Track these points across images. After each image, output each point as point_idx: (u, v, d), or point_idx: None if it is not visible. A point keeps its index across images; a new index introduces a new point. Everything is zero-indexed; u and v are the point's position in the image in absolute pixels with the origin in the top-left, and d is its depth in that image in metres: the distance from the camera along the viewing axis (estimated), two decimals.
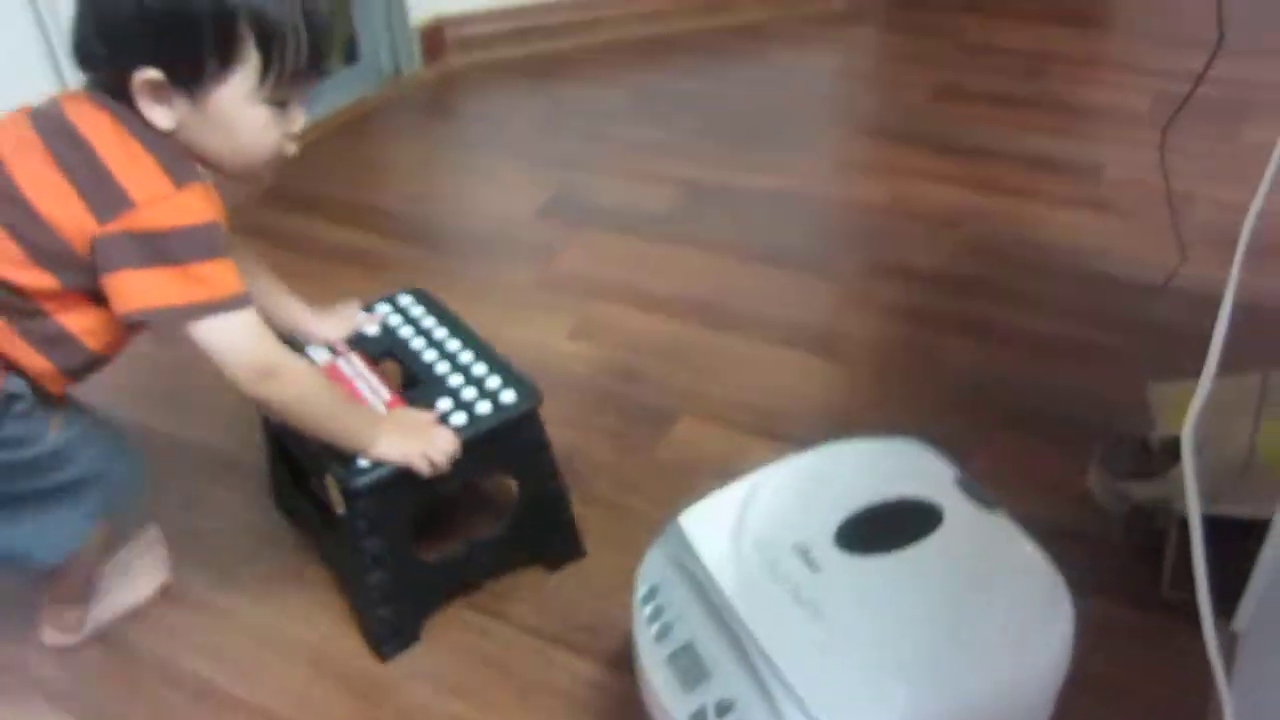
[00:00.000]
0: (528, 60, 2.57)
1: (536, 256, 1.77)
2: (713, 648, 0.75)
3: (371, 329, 1.19)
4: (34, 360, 0.91)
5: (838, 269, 1.73)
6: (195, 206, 0.86)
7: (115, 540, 1.12)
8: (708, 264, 1.75)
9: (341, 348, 1.16)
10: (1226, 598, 1.04)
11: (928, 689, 0.69)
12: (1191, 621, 1.08)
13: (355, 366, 1.13)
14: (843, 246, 1.80)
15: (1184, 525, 1.13)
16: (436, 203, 2.00)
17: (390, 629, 1.10)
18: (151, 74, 0.84)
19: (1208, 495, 1.00)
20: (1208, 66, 0.97)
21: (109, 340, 0.94)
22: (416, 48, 2.50)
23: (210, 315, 0.87)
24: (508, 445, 1.09)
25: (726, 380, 1.48)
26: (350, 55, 2.50)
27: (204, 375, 0.92)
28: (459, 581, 1.16)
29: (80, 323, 0.91)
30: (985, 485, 1.03)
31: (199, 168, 0.89)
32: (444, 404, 1.06)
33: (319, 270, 1.76)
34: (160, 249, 0.85)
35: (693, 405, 1.43)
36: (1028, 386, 1.44)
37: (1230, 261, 0.96)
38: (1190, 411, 0.82)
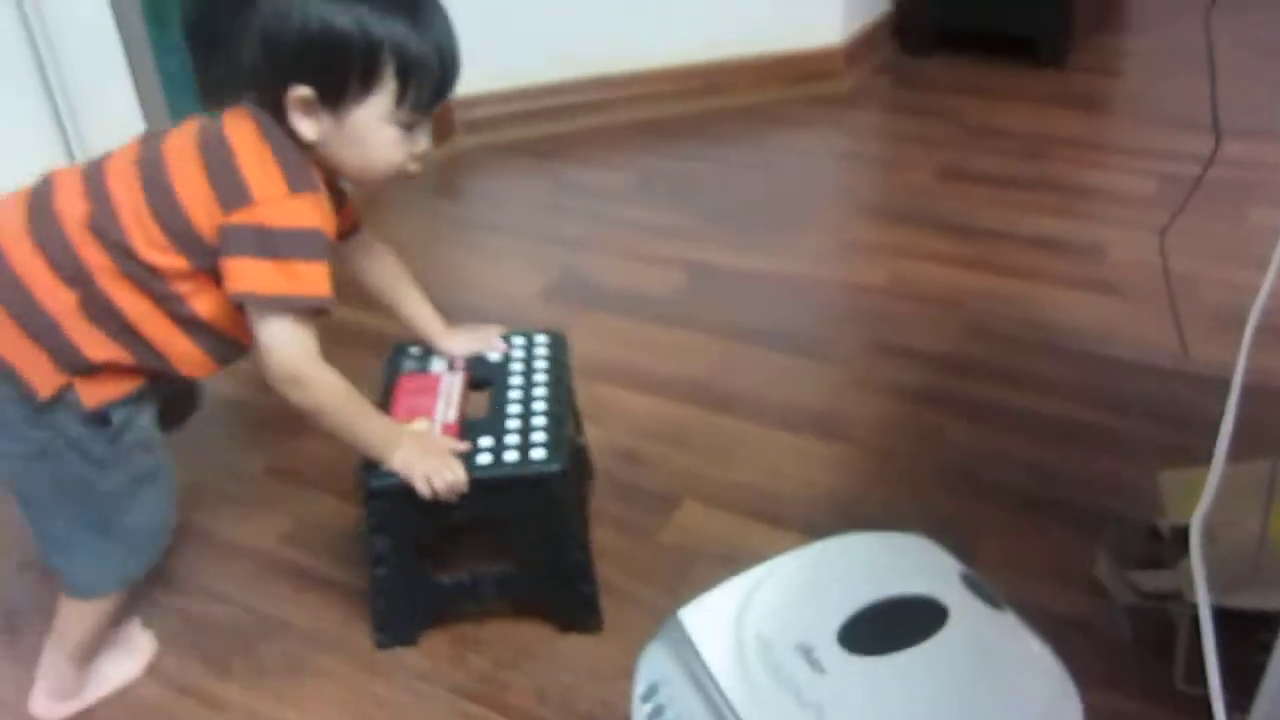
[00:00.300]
0: (533, 141, 2.60)
1: None
2: None
3: (494, 356, 1.28)
4: (178, 343, 1.02)
5: (840, 351, 1.72)
6: (304, 212, 0.97)
7: (124, 609, 1.15)
8: (710, 346, 1.74)
9: (458, 364, 1.26)
10: (1241, 691, 1.01)
11: None
12: (1206, 717, 1.06)
13: (452, 385, 1.21)
14: (845, 328, 1.80)
15: (1196, 617, 1.11)
16: (442, 282, 2.01)
17: (383, 621, 1.19)
18: (304, 91, 0.97)
19: (1219, 586, 0.98)
20: (1205, 170, 0.98)
21: (229, 323, 1.03)
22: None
23: (291, 309, 0.99)
24: (524, 499, 1.12)
25: (729, 464, 1.47)
26: None
27: None
28: (460, 602, 1.21)
29: (205, 304, 1.01)
30: (991, 573, 1.01)
31: (318, 181, 1.01)
32: (485, 441, 1.12)
33: (325, 351, 1.75)
34: (268, 242, 0.96)
35: (695, 489, 1.42)
36: (1033, 470, 1.43)
37: (1237, 343, 0.96)
38: (1199, 505, 0.81)
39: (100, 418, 1.00)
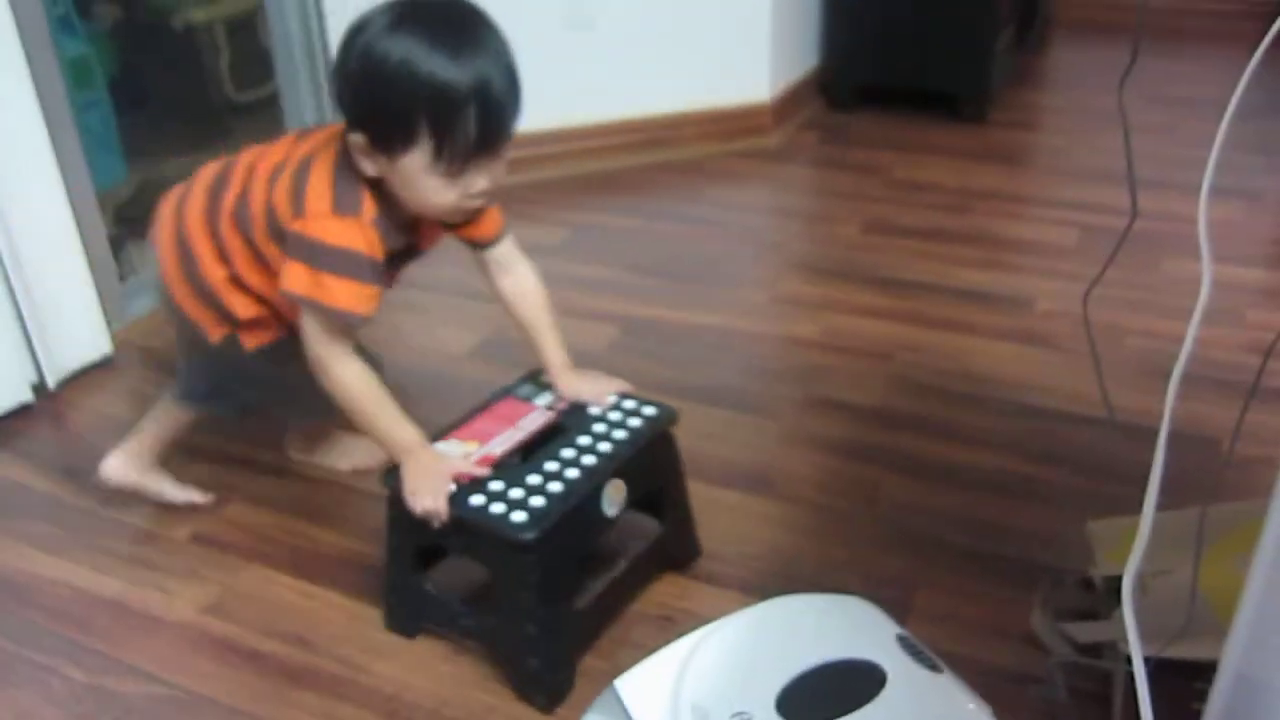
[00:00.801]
0: None
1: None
2: None
3: (595, 409, 1.27)
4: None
5: (773, 405, 1.73)
6: (341, 232, 1.11)
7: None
8: None
9: (559, 405, 1.28)
10: None
11: None
12: None
13: (531, 422, 1.24)
14: (778, 382, 1.81)
15: (1131, 669, 1.11)
16: (372, 339, 1.98)
17: (388, 608, 1.27)
18: (356, 137, 1.09)
19: (1153, 637, 0.98)
20: (1122, 240, 1.01)
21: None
22: None
23: (318, 312, 1.14)
24: (494, 554, 1.13)
25: None
26: None
27: None
28: (441, 622, 1.25)
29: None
30: (927, 628, 1.01)
31: (364, 209, 1.12)
32: (496, 485, 1.13)
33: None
34: (307, 250, 1.12)
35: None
36: (967, 523, 1.44)
37: (1161, 392, 0.98)
38: (1130, 557, 0.82)
39: (259, 353, 1.30)
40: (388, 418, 1.19)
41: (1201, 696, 1.05)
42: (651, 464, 1.24)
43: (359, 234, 1.12)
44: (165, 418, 1.46)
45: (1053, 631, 1.21)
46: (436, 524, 1.12)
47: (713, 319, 2.01)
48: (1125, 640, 1.13)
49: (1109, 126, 2.88)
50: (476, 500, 1.11)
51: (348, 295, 1.12)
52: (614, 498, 1.18)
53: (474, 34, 1.07)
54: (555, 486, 1.13)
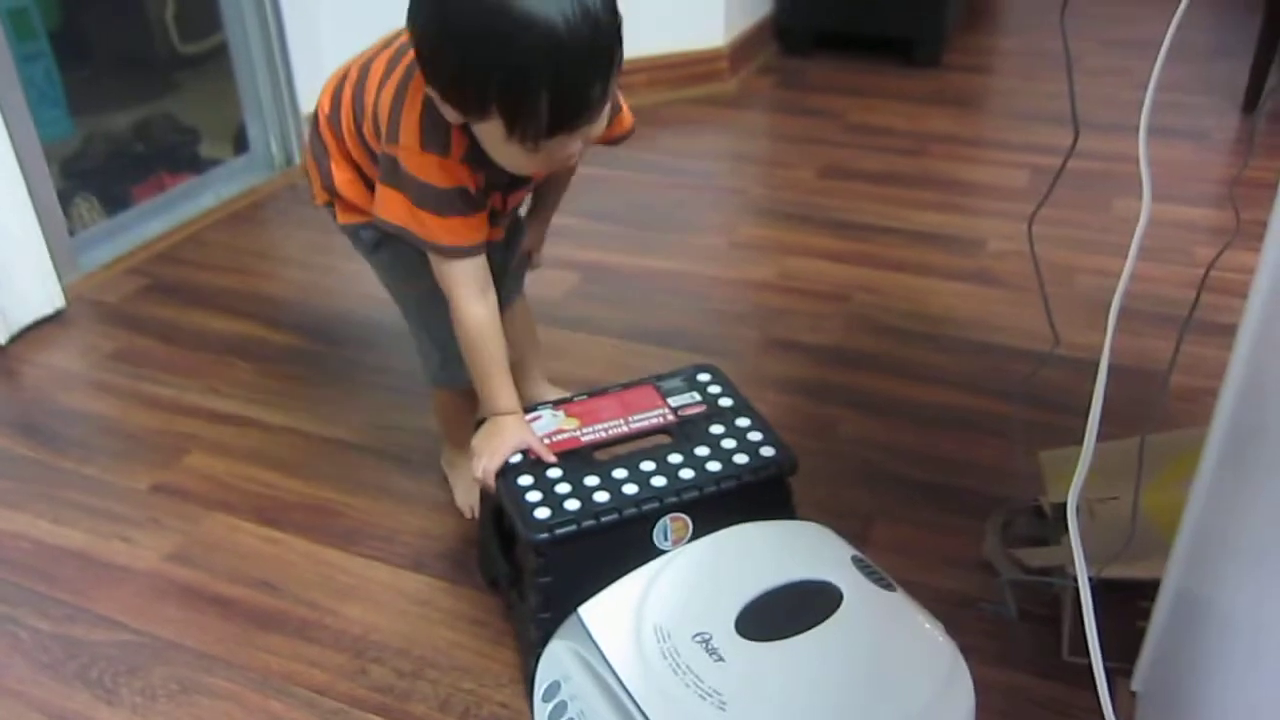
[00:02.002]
0: None
1: None
2: None
3: (715, 428, 1.15)
4: None
5: (732, 347, 1.74)
6: (428, 167, 1.04)
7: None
8: (604, 346, 1.75)
9: (691, 412, 1.18)
10: (1124, 657, 1.06)
11: None
12: (1092, 686, 1.10)
13: (647, 420, 1.16)
14: (736, 325, 1.82)
15: (1079, 590, 1.15)
16: (331, 292, 1.97)
17: (478, 555, 1.23)
18: (431, 90, 1.00)
19: (1099, 559, 1.02)
20: (1065, 162, 1.02)
21: None
22: (307, 136, 2.48)
23: (418, 243, 1.08)
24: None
25: None
26: (239, 145, 2.47)
27: None
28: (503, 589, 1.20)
29: None
30: (883, 557, 1.03)
31: (451, 147, 1.04)
32: (554, 473, 1.07)
33: (208, 364, 1.71)
34: (401, 179, 1.06)
35: None
36: (923, 457, 1.47)
37: (1105, 327, 1.01)
38: (1074, 482, 0.84)
39: (351, 232, 1.25)
40: (495, 378, 1.13)
41: (1145, 614, 1.10)
42: (744, 508, 1.04)
43: (447, 171, 1.05)
44: (440, 413, 1.42)
45: (1004, 557, 1.24)
46: (484, 489, 1.12)
47: (671, 264, 2.01)
48: (1073, 563, 1.16)
49: (1060, 70, 2.90)
50: (524, 481, 1.06)
51: (444, 230, 1.07)
52: (673, 532, 1.04)
53: None
54: (602, 497, 1.03)
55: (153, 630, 1.22)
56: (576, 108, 0.96)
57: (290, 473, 1.46)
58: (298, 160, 2.47)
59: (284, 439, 1.54)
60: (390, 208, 1.08)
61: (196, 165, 2.43)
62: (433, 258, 1.11)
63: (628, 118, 1.26)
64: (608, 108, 1.02)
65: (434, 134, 1.04)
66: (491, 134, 0.99)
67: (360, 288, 1.97)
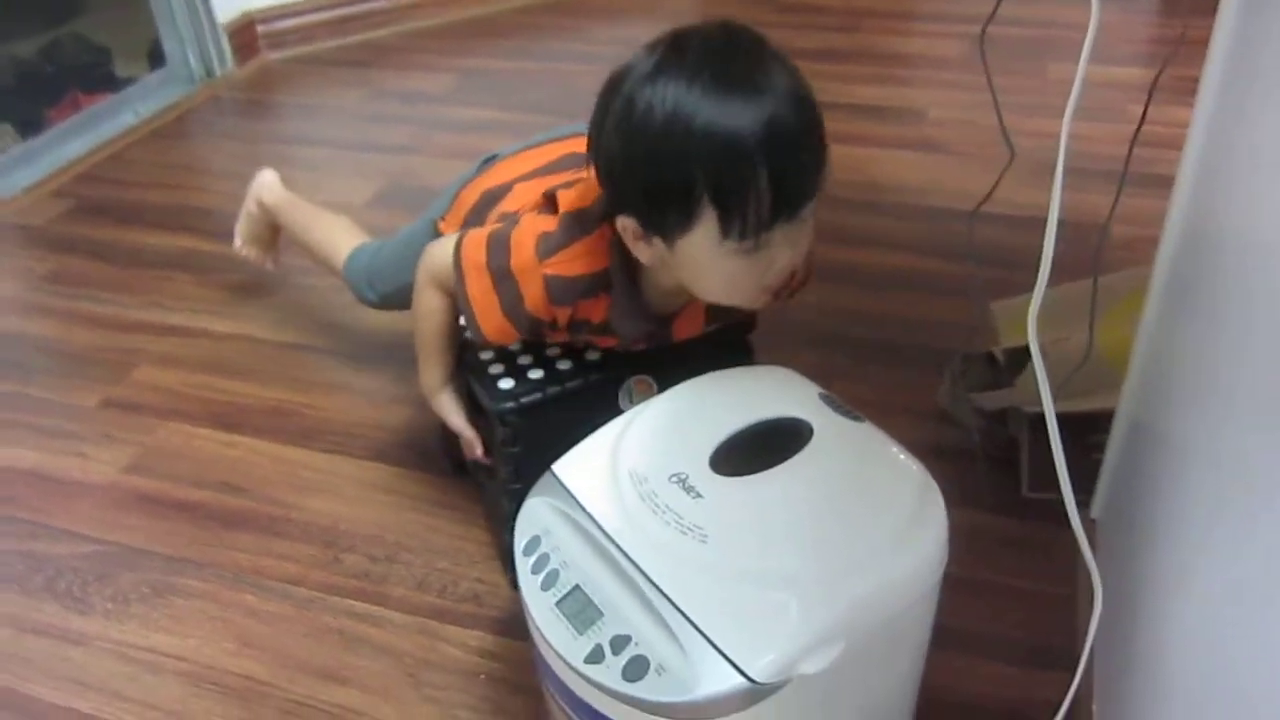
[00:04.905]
0: (346, 51, 2.50)
1: None
2: (602, 587, 0.74)
3: None
4: None
5: None
6: (534, 296, 0.94)
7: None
8: None
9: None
10: (1083, 489, 1.09)
11: (818, 596, 0.70)
12: (1051, 519, 1.14)
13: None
14: None
15: (1035, 425, 1.18)
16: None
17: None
18: (628, 221, 0.87)
19: (1055, 396, 1.04)
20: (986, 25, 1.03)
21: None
22: (227, 47, 2.40)
23: (461, 298, 0.98)
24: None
25: None
26: (155, 61, 2.38)
27: None
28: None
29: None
30: None
31: (585, 301, 0.95)
32: (526, 358, 1.05)
33: (147, 279, 1.67)
34: (498, 249, 0.95)
35: None
36: (877, 318, 1.48)
37: (1047, 186, 1.03)
38: (1032, 305, 0.85)
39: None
40: (431, 358, 1.08)
41: (1100, 447, 1.13)
42: (707, 367, 0.97)
43: (547, 313, 0.95)
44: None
45: (961, 403, 1.26)
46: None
47: None
48: (1030, 401, 1.19)
49: None
50: (486, 355, 1.05)
51: (489, 316, 0.97)
52: (637, 393, 1.05)
53: (757, 67, 0.81)
54: (565, 365, 1.03)
55: (117, 539, 1.20)
56: (801, 175, 0.82)
57: (244, 378, 1.44)
58: (219, 73, 2.39)
59: (234, 346, 1.51)
60: (469, 239, 0.98)
61: (112, 84, 2.33)
62: (441, 270, 1.01)
63: (810, 275, 1.09)
64: (811, 217, 0.88)
65: (565, 293, 0.94)
66: (699, 246, 0.84)
67: (302, 195, 1.92)
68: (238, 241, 1.55)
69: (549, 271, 0.93)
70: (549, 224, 0.95)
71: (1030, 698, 0.97)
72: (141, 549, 1.19)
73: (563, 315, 0.96)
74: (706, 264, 0.85)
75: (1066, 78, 2.21)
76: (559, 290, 0.93)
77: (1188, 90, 0.90)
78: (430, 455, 1.28)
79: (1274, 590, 0.52)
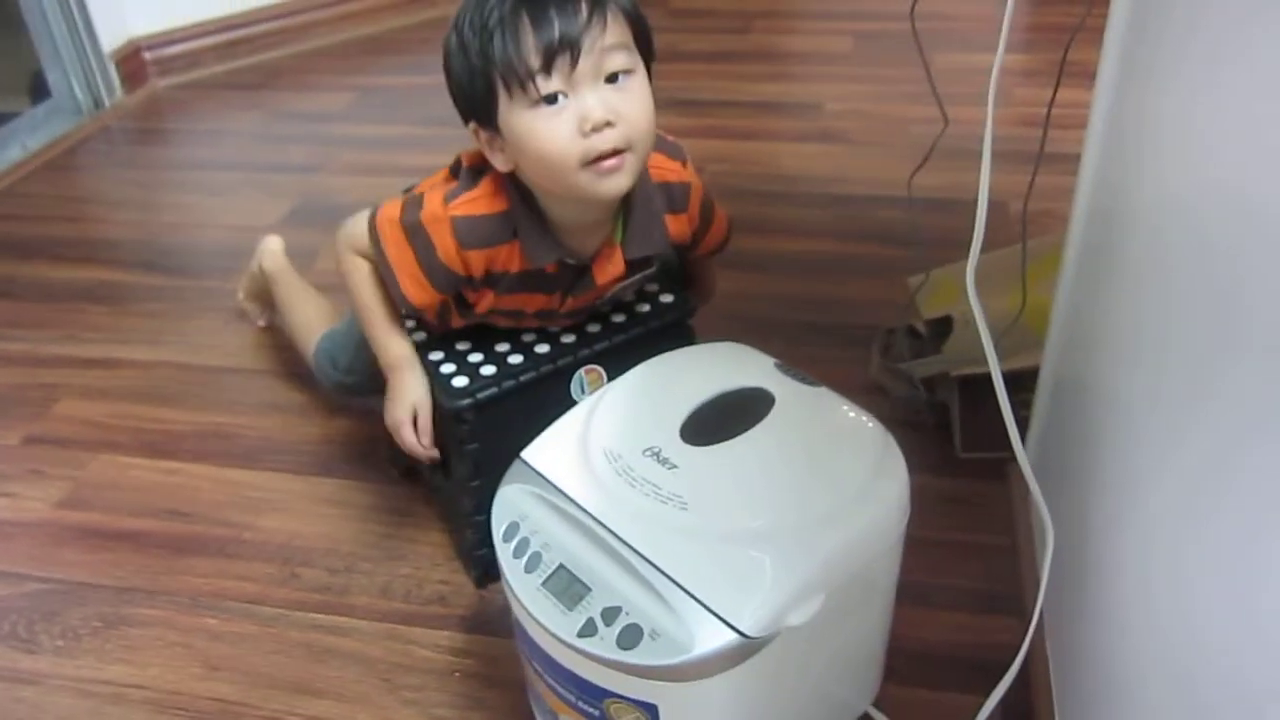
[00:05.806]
0: (238, 74, 2.47)
1: (296, 263, 1.70)
2: (587, 564, 0.76)
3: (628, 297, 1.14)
4: None
5: None
6: (448, 243, 0.96)
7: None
8: None
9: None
10: (1005, 448, 1.15)
11: (798, 551, 0.73)
12: (984, 475, 1.20)
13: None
14: None
15: (964, 389, 1.24)
16: (174, 227, 1.89)
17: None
18: (476, 128, 0.94)
19: (980, 360, 1.09)
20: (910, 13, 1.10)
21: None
22: (115, 75, 2.35)
23: (382, 262, 1.00)
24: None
25: None
26: (38, 92, 2.31)
27: None
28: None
29: None
30: None
31: (493, 247, 0.97)
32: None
33: (59, 313, 1.62)
34: (412, 207, 0.99)
35: None
36: (798, 301, 1.53)
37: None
38: (969, 270, 0.91)
39: None
40: (384, 325, 1.05)
41: (1028, 404, 1.19)
42: (653, 354, 1.00)
43: (460, 262, 0.97)
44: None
45: (891, 373, 1.32)
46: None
47: None
48: (957, 366, 1.25)
49: None
50: (436, 356, 1.05)
51: (412, 280, 0.98)
52: (589, 384, 1.07)
53: None
54: (516, 359, 1.04)
55: (60, 575, 1.17)
56: (560, 18, 0.85)
57: (174, 405, 1.42)
58: (107, 103, 2.33)
59: (159, 374, 1.48)
60: (389, 203, 1.01)
61: None
62: (368, 245, 1.02)
63: (723, 224, 1.18)
64: (616, 28, 0.90)
65: (472, 235, 0.97)
66: (511, 121, 0.89)
67: (200, 219, 1.90)
68: (240, 295, 1.55)
69: (455, 213, 0.96)
70: (456, 184, 1.00)
71: (986, 642, 1.02)
72: (87, 583, 1.16)
73: (477, 263, 0.97)
74: (526, 135, 0.88)
75: (952, 67, 2.30)
76: (466, 231, 0.96)
77: (1074, 73, 1.00)
78: (377, 464, 1.28)
79: (1201, 505, 0.57)
